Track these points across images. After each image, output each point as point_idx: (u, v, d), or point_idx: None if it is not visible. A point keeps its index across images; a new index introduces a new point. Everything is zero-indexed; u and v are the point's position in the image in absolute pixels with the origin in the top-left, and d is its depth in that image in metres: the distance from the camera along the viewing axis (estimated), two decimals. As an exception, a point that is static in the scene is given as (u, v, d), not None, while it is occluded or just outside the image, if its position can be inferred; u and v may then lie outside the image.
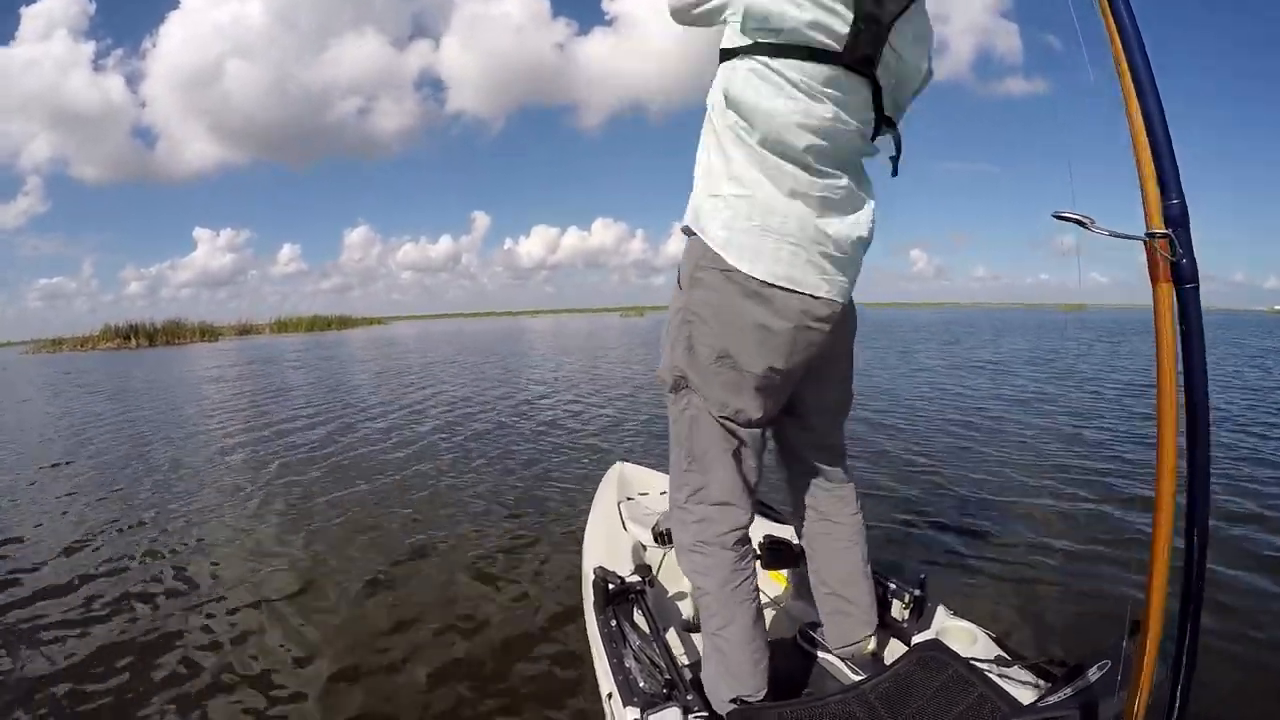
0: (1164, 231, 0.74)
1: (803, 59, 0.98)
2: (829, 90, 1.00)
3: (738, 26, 1.02)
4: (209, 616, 2.19)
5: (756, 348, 1.08)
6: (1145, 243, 0.75)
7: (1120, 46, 0.75)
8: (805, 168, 1.03)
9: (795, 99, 1.00)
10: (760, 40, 1.00)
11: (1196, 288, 0.73)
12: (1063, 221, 0.77)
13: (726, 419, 1.14)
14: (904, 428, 4.91)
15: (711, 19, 1.08)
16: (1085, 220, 0.76)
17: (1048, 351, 11.95)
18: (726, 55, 1.06)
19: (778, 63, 0.99)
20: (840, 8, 0.96)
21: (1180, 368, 0.73)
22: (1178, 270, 0.74)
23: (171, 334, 34.84)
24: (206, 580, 2.50)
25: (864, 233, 1.12)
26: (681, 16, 1.13)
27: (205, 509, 3.44)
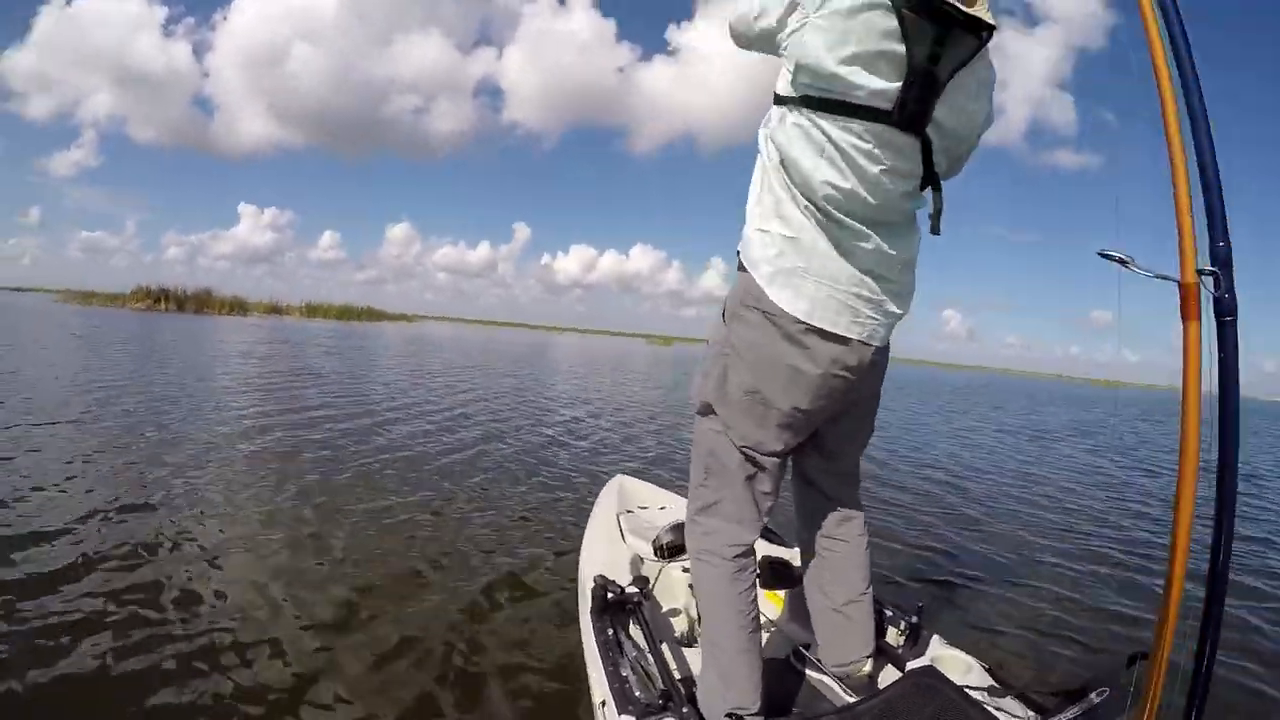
0: (1211, 269, 0.83)
1: (849, 116, 1.00)
2: (873, 149, 1.02)
3: (789, 77, 1.05)
4: (207, 623, 1.98)
5: (786, 388, 1.15)
6: (1180, 284, 0.84)
7: (1169, 90, 0.85)
8: (842, 223, 1.08)
9: (835, 161, 1.03)
10: (809, 95, 1.03)
11: (1234, 320, 0.83)
12: (1106, 259, 0.87)
13: (748, 449, 1.22)
14: (932, 480, 5.01)
15: (769, 45, 1.11)
16: (1126, 259, 0.86)
17: (1092, 425, 12.02)
18: (779, 100, 1.10)
19: (823, 120, 1.02)
20: (890, 69, 0.97)
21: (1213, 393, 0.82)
22: (1220, 305, 0.83)
23: (201, 303, 35.81)
24: (207, 573, 2.32)
25: (900, 281, 1.16)
26: (741, 41, 1.18)
27: (219, 498, 3.18)
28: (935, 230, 1.15)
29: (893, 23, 0.94)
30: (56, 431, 4.28)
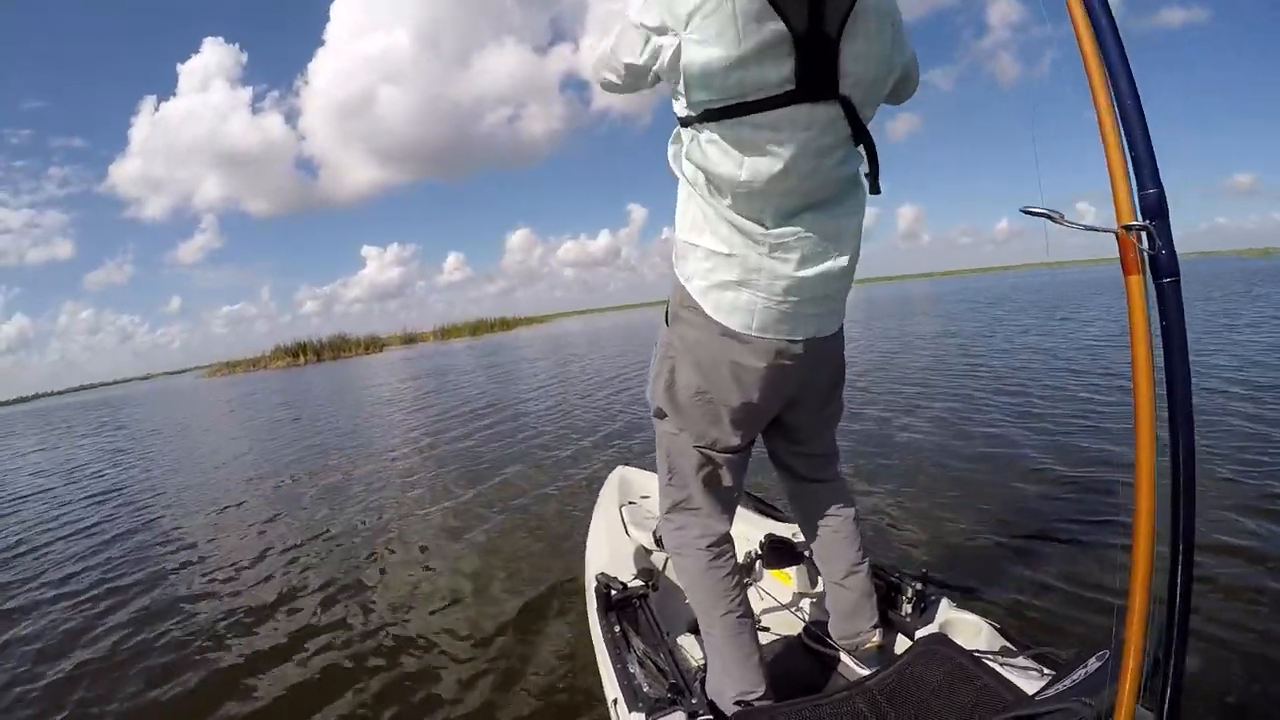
0: (1141, 223, 0.74)
1: (757, 112, 0.97)
2: (791, 135, 0.99)
3: (684, 99, 1.02)
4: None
5: (733, 385, 1.17)
6: (1117, 235, 0.75)
7: (1083, 18, 0.74)
8: (774, 221, 1.06)
9: (756, 163, 1.01)
10: (710, 109, 1.00)
11: (1177, 282, 0.74)
12: (1031, 216, 0.79)
13: (703, 447, 1.26)
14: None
15: (640, 81, 1.09)
16: (1054, 215, 0.78)
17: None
18: (683, 122, 1.08)
19: (733, 126, 1.00)
20: (779, 49, 0.93)
21: (1161, 362, 0.74)
22: (1156, 264, 0.74)
23: (337, 348, 39.76)
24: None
25: (841, 267, 1.13)
26: (611, 87, 1.16)
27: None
28: (874, 190, 1.12)
29: (760, 2, 0.90)
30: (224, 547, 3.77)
